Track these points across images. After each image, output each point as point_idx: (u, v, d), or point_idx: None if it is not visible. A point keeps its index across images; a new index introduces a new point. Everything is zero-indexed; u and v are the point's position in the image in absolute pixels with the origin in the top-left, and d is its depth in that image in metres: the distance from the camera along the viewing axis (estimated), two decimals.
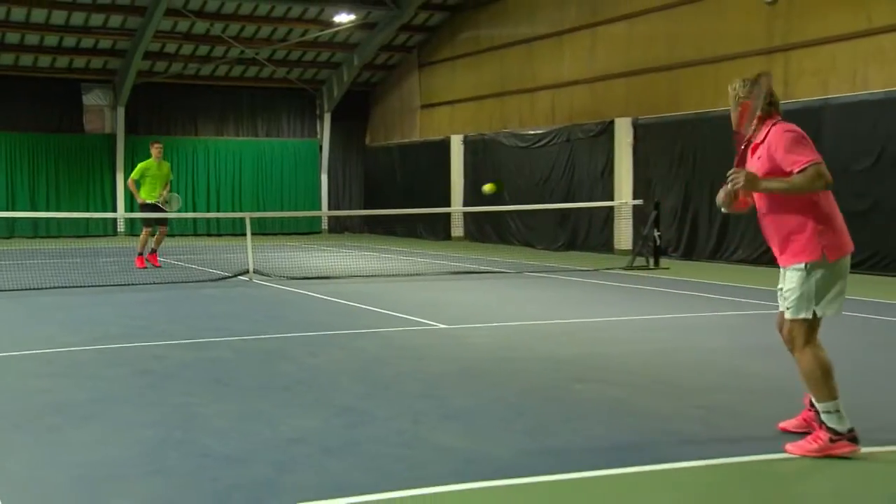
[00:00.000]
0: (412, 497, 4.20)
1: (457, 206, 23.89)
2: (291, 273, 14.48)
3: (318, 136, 28.57)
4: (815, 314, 4.75)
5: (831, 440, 4.65)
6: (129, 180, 15.57)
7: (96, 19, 23.14)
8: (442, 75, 25.58)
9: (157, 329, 9.15)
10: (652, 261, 15.87)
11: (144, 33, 22.97)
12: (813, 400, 4.80)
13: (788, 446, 4.77)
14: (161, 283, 13.36)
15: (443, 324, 9.44)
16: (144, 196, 15.31)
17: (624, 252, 17.80)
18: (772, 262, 16.83)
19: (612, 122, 19.29)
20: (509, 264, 16.87)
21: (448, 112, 25.38)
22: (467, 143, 24.21)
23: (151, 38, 23.25)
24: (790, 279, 4.80)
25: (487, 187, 9.06)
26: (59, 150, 25.71)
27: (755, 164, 4.84)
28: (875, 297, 11.49)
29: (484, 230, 23.19)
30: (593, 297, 12.16)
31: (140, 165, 15.55)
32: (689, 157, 17.59)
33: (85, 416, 5.70)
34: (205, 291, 12.44)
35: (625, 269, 15.49)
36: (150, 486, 4.35)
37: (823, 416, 4.69)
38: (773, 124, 4.85)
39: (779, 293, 4.98)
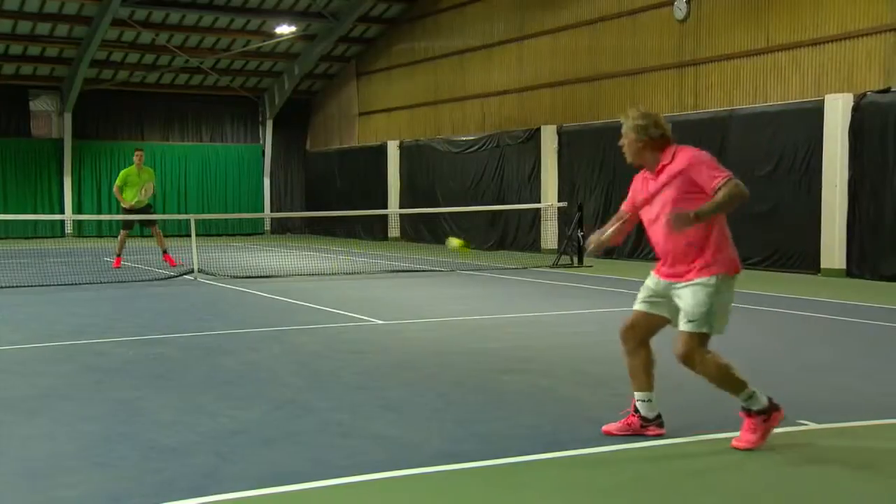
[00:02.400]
0: (349, 484, 4.17)
1: (393, 208, 23.84)
2: (235, 272, 14.27)
3: (261, 142, 28.24)
4: (712, 329, 4.59)
5: (764, 420, 4.63)
6: (114, 187, 15.26)
7: (43, 28, 22.48)
8: (379, 84, 25.49)
9: (103, 327, 8.94)
10: (576, 259, 16.04)
11: (91, 42, 22.41)
12: (735, 396, 4.67)
13: (734, 442, 4.66)
14: (108, 282, 13.05)
15: (379, 320, 9.40)
16: (128, 199, 15.05)
17: (550, 251, 17.97)
18: None
19: (538, 130, 19.45)
20: (443, 263, 16.89)
21: (385, 119, 25.31)
22: (403, 148, 24.17)
23: (98, 46, 22.70)
24: (696, 293, 4.56)
25: (455, 243, 8.44)
26: (5, 155, 24.94)
27: (666, 190, 4.65)
28: (774, 292, 11.80)
29: (419, 231, 23.18)
30: (521, 293, 12.25)
31: (122, 173, 15.26)
32: (609, 163, 17.83)
33: (30, 412, 5.53)
34: (150, 290, 12.19)
35: (551, 267, 15.64)
36: (94, 478, 4.25)
37: (744, 404, 4.65)
38: (677, 149, 4.72)
39: (649, 302, 4.78)
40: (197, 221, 15.14)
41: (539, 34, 19.74)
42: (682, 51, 16.62)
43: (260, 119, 28.21)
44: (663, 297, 4.74)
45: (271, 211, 27.64)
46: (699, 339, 4.61)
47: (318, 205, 26.82)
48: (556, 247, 17.74)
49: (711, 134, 15.53)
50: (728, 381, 4.67)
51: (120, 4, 20.83)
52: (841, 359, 7.42)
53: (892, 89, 13.28)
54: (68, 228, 25.33)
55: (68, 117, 25.30)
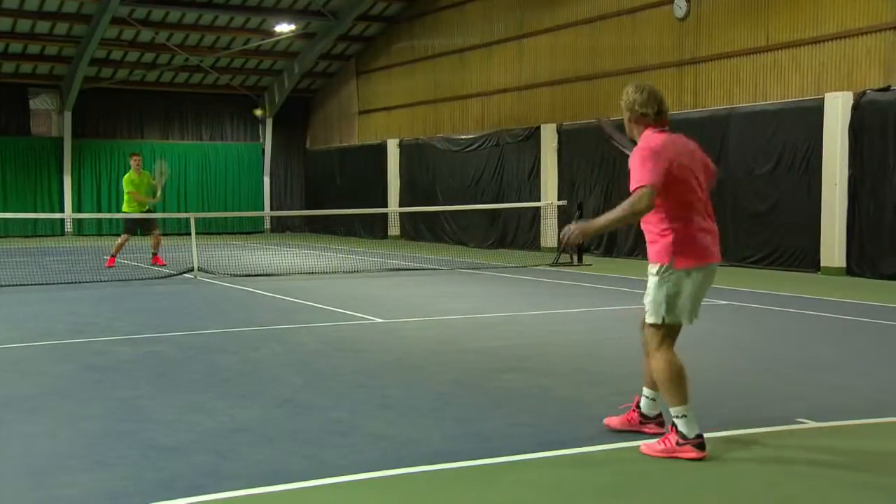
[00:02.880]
0: (348, 483, 4.18)
1: (393, 207, 23.84)
2: (235, 271, 14.28)
3: (261, 140, 28.24)
4: (664, 320, 4.53)
5: (678, 443, 4.47)
6: (133, 193, 14.90)
7: (42, 26, 22.48)
8: (379, 83, 25.49)
9: (103, 325, 8.94)
10: (576, 258, 16.04)
11: (90, 41, 22.41)
12: (670, 407, 4.56)
13: (642, 446, 4.60)
14: (108, 280, 13.05)
15: (379, 318, 9.41)
16: (134, 208, 14.94)
17: (550, 250, 17.97)
18: None
19: (538, 128, 19.45)
20: (442, 262, 16.90)
21: (384, 117, 25.31)
22: (403, 147, 24.17)
23: (97, 45, 22.70)
24: (649, 282, 4.59)
25: None
26: (5, 153, 24.96)
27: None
28: (774, 290, 11.81)
29: (419, 229, 23.18)
30: (521, 292, 12.25)
31: (126, 179, 15.08)
32: (609, 161, 17.83)
33: (29, 411, 5.54)
34: (150, 289, 12.20)
35: (550, 265, 15.65)
36: (94, 477, 4.25)
37: (675, 420, 4.51)
38: (648, 133, 4.63)
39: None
40: (197, 220, 15.15)
41: (539, 32, 19.74)
42: (681, 49, 16.61)
43: (260, 118, 28.21)
44: None
45: (271, 209, 27.64)
46: (654, 330, 4.60)
47: (318, 203, 26.82)
48: (556, 245, 17.74)
49: (711, 132, 15.53)
50: (675, 387, 4.51)
51: (119, 3, 20.84)
52: (840, 357, 7.43)
53: (892, 87, 13.28)
54: (68, 227, 25.36)
55: (68, 116, 25.30)
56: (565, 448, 4.71)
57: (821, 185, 14.00)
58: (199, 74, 26.26)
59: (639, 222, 4.63)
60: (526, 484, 4.21)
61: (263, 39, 24.38)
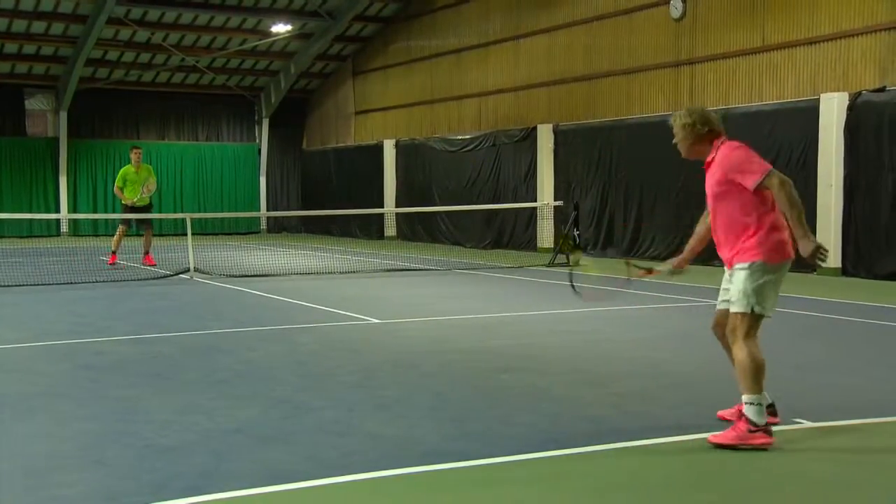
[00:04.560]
0: (345, 483, 4.18)
1: (390, 207, 23.85)
2: (231, 271, 14.27)
3: (257, 141, 28.23)
4: (753, 311, 4.80)
5: (750, 431, 4.67)
6: (115, 188, 15.28)
7: (38, 26, 22.45)
8: (375, 83, 25.49)
9: (100, 325, 8.94)
10: (572, 258, 16.05)
11: (86, 41, 22.38)
12: (744, 395, 4.77)
13: (710, 437, 4.75)
14: (104, 281, 13.04)
15: (376, 318, 9.41)
16: (129, 196, 15.06)
17: (546, 250, 17.98)
18: None
19: (534, 128, 19.47)
20: (439, 262, 16.91)
21: (381, 118, 25.31)
22: (399, 147, 24.18)
23: (93, 45, 22.67)
24: (735, 276, 4.85)
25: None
26: (1, 154, 24.94)
27: (710, 181, 4.97)
28: None
29: (415, 230, 23.19)
30: (518, 292, 12.27)
31: (121, 172, 15.25)
32: (605, 161, 17.86)
33: (27, 411, 5.54)
34: (147, 289, 12.19)
35: (547, 266, 15.66)
36: (92, 477, 4.26)
37: (745, 408, 4.72)
38: (721, 143, 4.95)
39: (722, 293, 5.05)
40: (193, 220, 15.16)
41: (535, 33, 19.75)
42: (678, 50, 16.64)
43: (256, 118, 28.20)
44: (728, 288, 4.98)
45: (267, 210, 27.64)
46: (740, 319, 4.82)
47: (315, 204, 26.81)
48: (553, 246, 17.76)
49: None
50: (755, 376, 4.75)
51: (115, 3, 20.81)
52: (836, 357, 7.45)
53: (888, 88, 13.31)
54: (64, 227, 25.31)
55: (64, 116, 25.27)
56: (563, 448, 4.72)
57: (816, 185, 14.03)
58: (196, 75, 26.24)
59: (723, 224, 4.93)
60: (524, 484, 4.22)
61: (260, 40, 24.37)
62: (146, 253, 15.44)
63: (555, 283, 13.21)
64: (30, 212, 24.49)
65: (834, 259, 13.85)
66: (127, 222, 15.57)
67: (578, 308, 10.40)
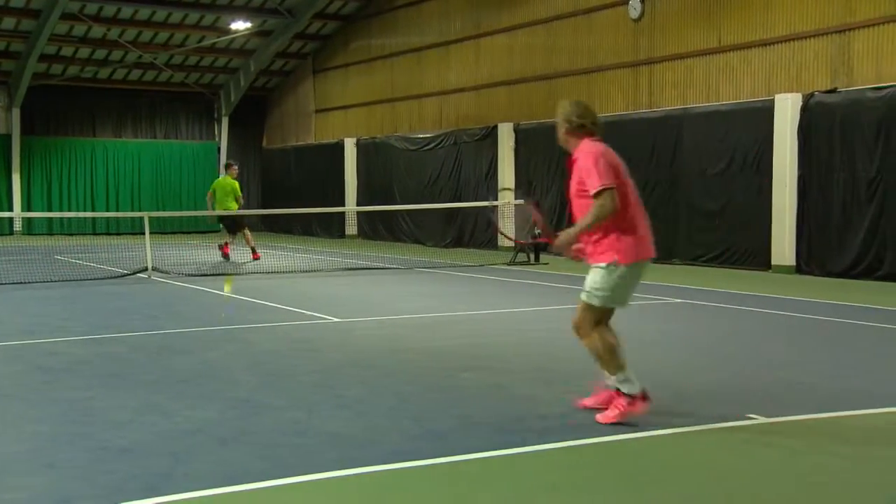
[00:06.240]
0: (304, 483, 4.16)
1: (351, 206, 23.76)
2: (189, 270, 14.11)
3: (216, 139, 27.94)
4: (603, 305, 5.08)
5: (628, 403, 5.02)
6: (211, 195, 16.72)
7: None
8: (335, 81, 25.38)
9: (54, 326, 8.78)
10: (532, 257, 16.14)
11: (39, 36, 21.96)
12: (611, 375, 5.12)
13: (598, 417, 5.09)
14: (59, 280, 12.82)
15: (336, 318, 9.37)
16: (226, 207, 16.31)
17: (507, 249, 18.05)
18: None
19: (495, 127, 19.53)
20: (400, 261, 16.88)
21: (342, 116, 25.21)
22: (360, 145, 24.10)
23: (47, 41, 22.26)
24: (593, 274, 5.09)
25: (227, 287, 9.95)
26: None
27: (572, 178, 5.20)
28: (726, 289, 12.00)
29: (376, 228, 23.13)
30: (478, 290, 12.29)
31: (228, 183, 16.55)
32: (565, 160, 17.94)
33: None
34: (103, 289, 12.00)
35: (508, 264, 15.72)
36: (43, 480, 4.17)
37: (619, 386, 5.06)
38: (583, 145, 5.16)
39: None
40: (151, 219, 14.93)
41: (495, 32, 19.82)
42: (636, 50, 16.80)
43: (215, 116, 27.92)
44: None
45: None
46: (590, 311, 5.10)
47: (275, 202, 26.61)
48: (514, 245, 17.81)
49: (666, 132, 15.74)
50: (611, 359, 5.07)
51: None
52: (791, 354, 7.58)
53: (839, 89, 13.57)
54: (17, 226, 24.80)
55: (16, 113, 24.80)
56: (522, 446, 4.73)
57: (772, 185, 14.26)
58: (153, 72, 25.91)
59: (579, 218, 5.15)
60: (484, 482, 4.23)
61: (218, 37, 24.12)
62: (253, 250, 16.34)
63: (515, 281, 13.27)
64: None
65: (788, 257, 14.10)
66: (239, 226, 16.60)
67: (539, 307, 10.45)
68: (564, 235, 5.13)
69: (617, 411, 5.04)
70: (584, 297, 5.12)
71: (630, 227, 5.06)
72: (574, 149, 5.20)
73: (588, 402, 5.38)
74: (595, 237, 5.09)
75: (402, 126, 22.88)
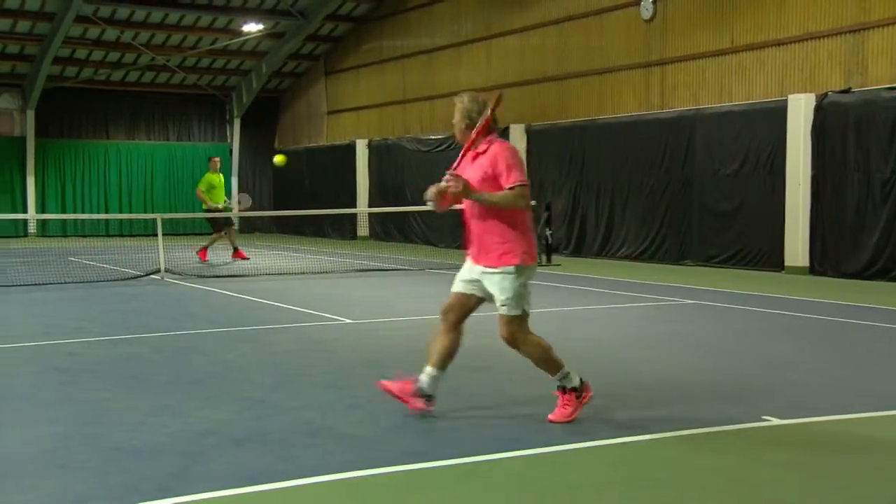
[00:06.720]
0: (319, 483, 4.16)
1: (362, 207, 23.78)
2: (203, 272, 14.15)
3: (229, 141, 28.03)
4: (524, 311, 5.10)
5: (577, 397, 5.13)
6: (198, 191, 16.52)
7: (3, 24, 22.13)
8: (347, 83, 25.42)
9: (69, 327, 8.82)
10: (544, 258, 16.11)
11: (54, 39, 22.10)
12: (552, 376, 5.18)
13: (550, 416, 5.14)
14: (74, 282, 12.88)
15: (349, 319, 9.38)
16: (216, 201, 16.13)
17: None
18: (651, 257, 17.19)
19: (506, 129, 19.48)
20: (412, 262, 16.88)
21: (353, 118, 25.24)
22: (372, 147, 24.12)
23: (61, 43, 22.39)
24: (501, 281, 5.02)
25: (278, 159, 9.72)
26: None
27: (473, 171, 5.12)
28: (739, 290, 11.95)
29: (388, 230, 23.15)
30: None
31: (206, 178, 16.38)
32: (577, 161, 17.94)
33: None
34: (117, 290, 12.06)
35: None
36: (56, 481, 4.19)
37: (564, 383, 5.16)
38: (495, 140, 5.17)
39: (465, 283, 5.22)
40: (164, 221, 15.00)
41: (507, 33, 19.80)
42: (648, 50, 16.75)
43: (227, 118, 28.01)
44: (477, 280, 5.16)
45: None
46: (518, 322, 5.09)
47: (287, 204, 26.66)
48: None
49: (678, 133, 15.69)
50: (548, 360, 5.15)
51: (84, 1, 20.57)
52: (804, 355, 7.53)
53: (853, 89, 13.50)
54: (31, 228, 24.96)
55: (31, 115, 24.94)
56: (538, 447, 4.72)
57: (785, 185, 14.20)
58: (166, 74, 26.01)
59: (473, 223, 5.15)
60: (497, 483, 4.23)
61: (231, 39, 24.20)
62: (236, 249, 16.18)
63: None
64: None
65: (802, 257, 14.03)
66: (219, 228, 16.29)
67: (549, 308, 10.43)
68: (465, 182, 4.98)
69: (570, 408, 5.11)
70: (503, 311, 5.08)
71: (529, 230, 5.13)
72: (470, 142, 5.19)
73: (391, 385, 5.36)
74: (496, 238, 5.03)
75: (413, 127, 22.89)
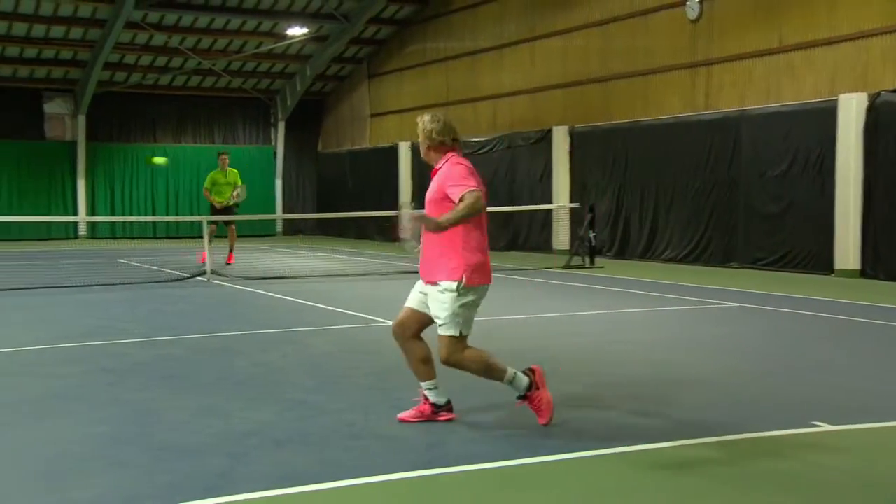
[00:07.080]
0: (360, 485, 4.17)
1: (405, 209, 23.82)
2: (247, 273, 14.31)
3: (273, 143, 28.31)
4: (461, 332, 5.00)
5: (536, 392, 5.06)
6: (204, 189, 16.21)
7: (57, 31, 22.63)
8: (390, 86, 25.52)
9: (116, 328, 8.97)
10: (588, 260, 16.00)
11: (104, 45, 22.53)
12: (502, 383, 5.12)
13: (541, 422, 5.06)
14: (121, 283, 13.10)
15: (392, 321, 9.36)
16: (218, 198, 15.90)
17: (562, 252, 17.92)
18: (696, 260, 16.99)
19: (550, 130, 19.42)
20: None
21: (396, 120, 25.33)
22: (415, 149, 24.18)
23: (111, 49, 22.82)
24: (440, 297, 4.97)
25: (157, 160, 9.90)
26: (20, 157, 25.11)
27: (432, 187, 5.09)
28: (787, 293, 11.74)
29: None
30: (534, 294, 12.22)
31: (209, 175, 16.09)
32: (620, 163, 17.79)
33: (43, 413, 5.55)
34: (164, 291, 12.23)
35: (562, 268, 15.61)
36: (109, 479, 4.26)
37: (518, 391, 5.09)
38: (451, 157, 5.09)
39: (417, 296, 5.20)
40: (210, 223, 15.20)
41: (551, 35, 19.71)
42: (694, 51, 16.55)
43: (272, 121, 28.30)
44: (425, 296, 5.15)
45: (283, 212, 27.70)
46: (456, 342, 5.02)
47: (330, 206, 26.85)
48: (568, 248, 17.70)
49: (724, 134, 15.48)
50: (491, 370, 5.10)
51: (133, 7, 20.94)
52: (855, 360, 7.37)
53: None
54: (82, 230, 25.49)
55: (82, 119, 25.45)
56: (583, 451, 4.68)
57: (834, 186, 13.92)
58: (212, 78, 26.36)
59: (425, 239, 5.07)
60: (542, 487, 4.19)
61: (275, 43, 24.45)
62: (230, 251, 16.10)
63: (569, 285, 13.16)
64: (48, 214, 24.68)
65: (853, 260, 13.73)
66: (215, 223, 16.05)
67: (592, 311, 10.35)
68: (420, 216, 4.92)
69: (543, 406, 5.06)
70: (440, 330, 5.01)
71: (479, 250, 5.00)
72: (435, 163, 5.15)
73: (407, 415, 5.25)
74: (444, 257, 4.97)
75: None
